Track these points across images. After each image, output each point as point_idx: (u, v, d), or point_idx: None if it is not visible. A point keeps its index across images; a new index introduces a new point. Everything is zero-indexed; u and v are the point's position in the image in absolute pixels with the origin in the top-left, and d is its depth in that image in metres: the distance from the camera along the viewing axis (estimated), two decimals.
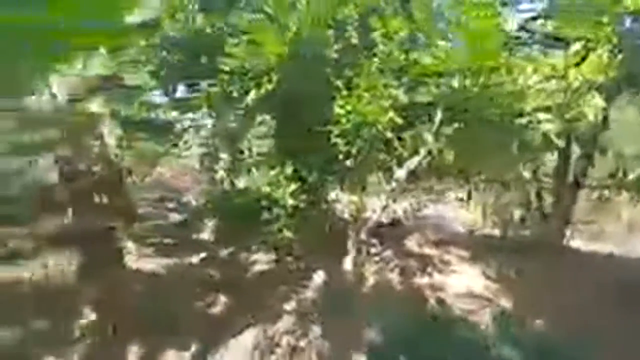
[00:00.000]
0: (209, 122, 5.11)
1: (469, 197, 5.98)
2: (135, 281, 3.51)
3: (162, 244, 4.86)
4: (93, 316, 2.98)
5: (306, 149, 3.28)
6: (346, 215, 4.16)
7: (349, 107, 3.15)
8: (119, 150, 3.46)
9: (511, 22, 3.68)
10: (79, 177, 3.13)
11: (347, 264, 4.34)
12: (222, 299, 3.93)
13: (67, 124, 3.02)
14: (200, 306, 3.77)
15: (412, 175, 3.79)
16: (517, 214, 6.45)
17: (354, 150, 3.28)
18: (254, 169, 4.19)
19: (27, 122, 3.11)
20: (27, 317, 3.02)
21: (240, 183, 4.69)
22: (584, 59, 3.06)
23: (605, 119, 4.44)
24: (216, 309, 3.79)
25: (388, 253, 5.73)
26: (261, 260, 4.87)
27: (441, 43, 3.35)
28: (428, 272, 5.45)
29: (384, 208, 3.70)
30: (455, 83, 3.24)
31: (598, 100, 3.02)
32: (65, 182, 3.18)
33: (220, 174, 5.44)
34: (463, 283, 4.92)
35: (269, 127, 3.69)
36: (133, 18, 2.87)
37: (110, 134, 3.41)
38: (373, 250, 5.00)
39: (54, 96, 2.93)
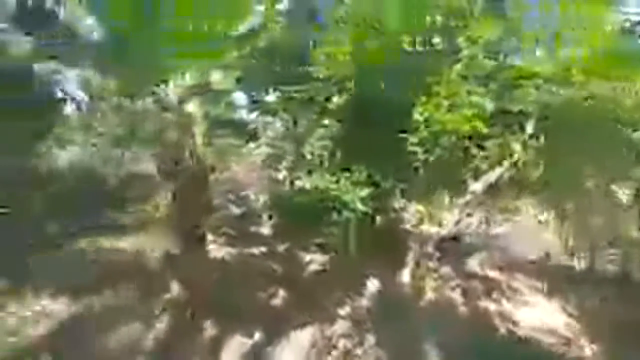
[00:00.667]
0: (279, 124, 5.39)
1: (551, 218, 5.26)
2: (210, 267, 3.84)
3: (229, 235, 5.24)
4: (176, 293, 3.33)
5: (382, 155, 3.23)
6: (409, 226, 3.98)
7: (427, 115, 3.02)
8: (205, 148, 3.84)
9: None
10: (174, 172, 3.53)
11: (405, 275, 4.16)
12: (281, 292, 4.08)
13: (174, 123, 3.44)
14: (263, 297, 3.96)
15: (490, 189, 3.47)
16: (606, 242, 5.49)
17: (431, 159, 3.13)
18: (319, 170, 4.27)
19: (140, 118, 3.64)
20: (122, 284, 3.52)
21: (305, 183, 4.83)
22: None
23: None
24: (276, 302, 3.95)
25: (448, 270, 5.36)
26: (316, 261, 4.95)
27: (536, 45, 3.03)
28: (494, 297, 4.97)
29: (457, 223, 3.45)
30: (558, 89, 2.89)
31: None
32: (162, 175, 3.61)
33: (284, 173, 5.69)
34: (537, 316, 4.36)
35: (341, 130, 3.73)
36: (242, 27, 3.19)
37: (200, 133, 3.80)
38: (432, 264, 4.71)
39: (166, 96, 3.37)
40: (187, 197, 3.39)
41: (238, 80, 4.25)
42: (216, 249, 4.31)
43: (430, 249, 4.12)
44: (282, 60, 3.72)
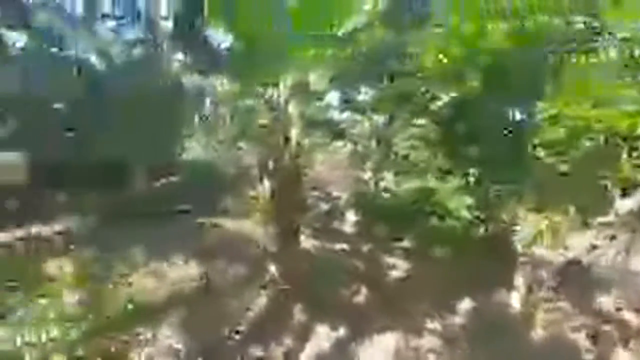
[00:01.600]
0: (367, 123, 5.37)
1: None
2: (301, 258, 4.10)
3: (314, 229, 5.48)
4: (273, 275, 3.65)
5: (493, 159, 2.84)
6: (522, 243, 3.39)
7: (566, 111, 2.51)
8: (299, 147, 4.11)
9: None
10: (273, 169, 3.88)
11: (513, 300, 3.57)
12: (364, 291, 4.03)
13: (277, 123, 3.79)
14: (346, 293, 3.99)
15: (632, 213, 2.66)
16: None
17: (563, 165, 2.60)
18: (412, 172, 4.05)
19: (250, 117, 4.14)
20: (231, 259, 4.07)
21: (392, 184, 4.67)
22: None
23: None
24: (359, 300, 3.92)
25: (568, 305, 4.37)
26: (400, 267, 4.72)
27: None
28: (630, 348, 3.81)
29: (592, 248, 2.78)
30: None
31: None
32: (262, 171, 4.01)
33: (369, 173, 5.64)
34: None
35: (444, 131, 3.46)
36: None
37: (296, 132, 4.07)
38: (547, 294, 3.91)
39: (275, 97, 3.74)
40: (284, 193, 3.68)
41: (333, 79, 4.39)
42: (304, 241, 4.55)
43: (546, 274, 3.43)
44: (382, 59, 3.68)
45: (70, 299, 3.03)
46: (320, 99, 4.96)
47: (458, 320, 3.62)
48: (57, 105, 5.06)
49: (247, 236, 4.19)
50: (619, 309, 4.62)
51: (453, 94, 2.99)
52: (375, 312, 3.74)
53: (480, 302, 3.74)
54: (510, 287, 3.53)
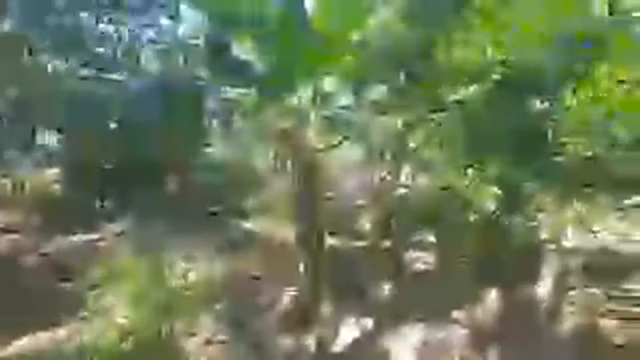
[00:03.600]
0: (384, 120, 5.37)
1: None
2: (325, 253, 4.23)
3: (335, 228, 5.59)
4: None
5: (517, 148, 2.85)
6: (549, 232, 3.37)
7: (587, 96, 2.49)
8: (315, 147, 4.20)
9: None
10: (291, 171, 4.00)
11: (539, 291, 3.56)
12: (388, 287, 4.12)
13: (295, 125, 3.91)
14: (369, 287, 4.10)
15: None
16: None
17: (585, 152, 2.60)
18: (432, 167, 4.08)
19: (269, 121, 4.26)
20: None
21: (411, 180, 4.70)
22: None
23: None
24: (382, 294, 4.03)
25: (597, 290, 4.30)
26: (424, 260, 4.76)
27: None
28: None
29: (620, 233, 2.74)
30: None
31: None
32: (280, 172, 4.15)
33: (386, 171, 5.65)
34: None
35: (465, 124, 3.44)
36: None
37: (313, 133, 4.17)
38: (577, 282, 3.87)
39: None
40: (304, 194, 3.81)
41: (350, 81, 4.45)
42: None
43: (574, 263, 3.41)
44: (400, 58, 3.71)
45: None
46: (337, 100, 5.03)
47: (484, 312, 3.65)
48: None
49: (274, 235, 4.38)
50: None
51: (471, 89, 3.00)
52: (399, 306, 3.82)
53: (507, 293, 3.75)
54: (537, 277, 3.52)
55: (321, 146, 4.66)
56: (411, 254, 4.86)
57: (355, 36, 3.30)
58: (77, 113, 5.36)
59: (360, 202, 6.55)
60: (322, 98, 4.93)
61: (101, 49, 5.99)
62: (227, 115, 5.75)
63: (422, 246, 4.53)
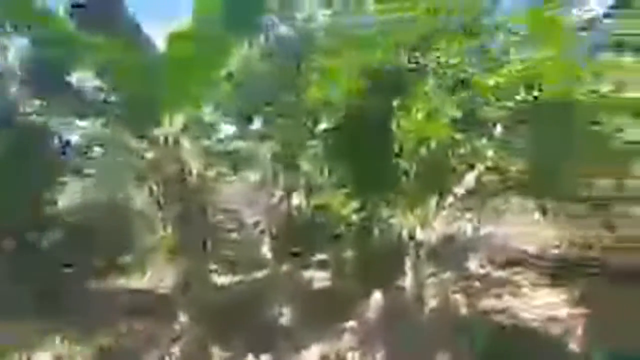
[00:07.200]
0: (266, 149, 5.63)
1: (544, 214, 5.41)
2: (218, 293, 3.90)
3: (230, 261, 5.32)
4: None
5: (370, 170, 3.44)
6: (404, 234, 4.11)
7: (408, 126, 3.27)
8: (200, 179, 4.02)
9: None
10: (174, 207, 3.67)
11: (407, 284, 4.24)
12: (287, 311, 4.13)
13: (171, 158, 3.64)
14: (270, 317, 4.00)
15: (473, 191, 3.65)
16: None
17: (414, 167, 3.36)
18: (314, 189, 4.46)
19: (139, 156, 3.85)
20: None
21: (297, 201, 4.99)
22: None
23: None
24: (283, 321, 4.00)
25: (448, 274, 5.43)
26: (319, 278, 5.01)
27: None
28: (496, 294, 5.03)
29: (449, 224, 3.59)
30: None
31: None
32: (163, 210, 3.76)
33: (279, 194, 5.86)
34: (542, 310, 4.43)
35: (332, 150, 3.94)
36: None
37: (195, 165, 3.99)
38: (430, 270, 4.79)
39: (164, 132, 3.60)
40: (189, 229, 3.52)
41: (223, 113, 4.55)
42: (219, 277, 4.38)
43: (425, 255, 4.22)
44: (268, 91, 4.04)
45: None
46: (216, 131, 5.01)
47: (370, 314, 4.08)
48: None
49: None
50: (482, 266, 6.03)
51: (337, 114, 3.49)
52: (301, 328, 3.88)
53: (385, 292, 4.32)
54: (402, 271, 4.18)
55: (209, 175, 4.49)
56: (313, 273, 5.09)
57: (220, 71, 3.43)
58: None
59: (260, 228, 6.53)
60: (201, 128, 4.84)
61: None
62: (82, 152, 4.86)
63: (321, 265, 4.81)
